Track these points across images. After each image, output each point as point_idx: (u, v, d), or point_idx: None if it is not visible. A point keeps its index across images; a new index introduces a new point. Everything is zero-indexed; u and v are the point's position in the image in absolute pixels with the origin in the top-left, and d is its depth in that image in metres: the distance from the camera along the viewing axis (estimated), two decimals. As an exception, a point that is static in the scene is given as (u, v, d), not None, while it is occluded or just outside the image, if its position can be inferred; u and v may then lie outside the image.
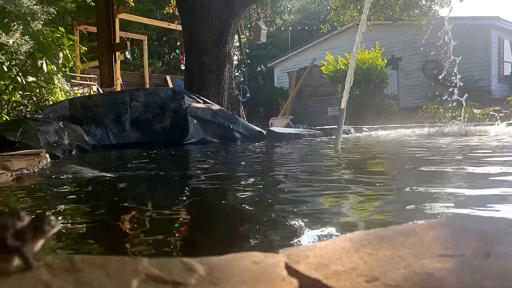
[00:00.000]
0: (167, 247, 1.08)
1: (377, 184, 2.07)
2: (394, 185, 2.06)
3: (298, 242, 1.07)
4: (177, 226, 1.37)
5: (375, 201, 1.64)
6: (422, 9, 10.32)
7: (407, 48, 16.25)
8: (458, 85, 6.33)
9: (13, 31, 7.57)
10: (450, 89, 6.32)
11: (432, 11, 10.37)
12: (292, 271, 0.69)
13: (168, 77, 16.40)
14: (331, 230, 1.20)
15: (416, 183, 1.92)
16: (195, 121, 6.15)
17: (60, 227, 0.67)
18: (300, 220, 1.28)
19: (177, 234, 1.26)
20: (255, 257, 0.73)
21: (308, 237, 1.12)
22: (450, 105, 7.82)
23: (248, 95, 17.82)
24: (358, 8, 10.90)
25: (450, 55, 6.13)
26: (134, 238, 1.19)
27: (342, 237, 0.86)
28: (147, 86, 14.59)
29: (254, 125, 6.83)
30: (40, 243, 0.65)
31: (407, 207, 1.42)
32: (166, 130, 6.11)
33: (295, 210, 1.45)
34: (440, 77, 6.58)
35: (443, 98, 7.13)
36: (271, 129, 6.72)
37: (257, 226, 1.28)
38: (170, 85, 15.38)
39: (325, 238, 1.10)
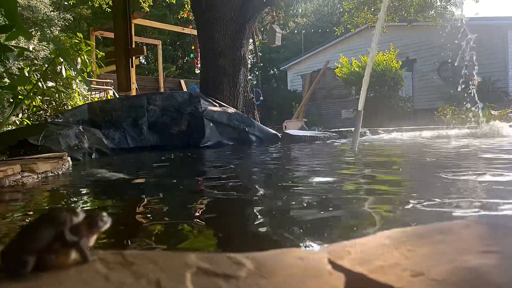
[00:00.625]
0: (203, 243, 1.10)
1: (402, 187, 2.07)
2: (419, 188, 2.06)
3: (337, 239, 1.08)
4: (211, 223, 1.39)
5: (403, 203, 1.65)
6: (437, 10, 10.23)
7: (422, 50, 16.11)
8: (474, 86, 6.26)
9: (33, 36, 7.74)
10: (467, 91, 6.25)
11: (447, 12, 10.28)
12: (336, 266, 0.70)
13: (182, 81, 16.53)
14: (366, 228, 1.20)
15: (440, 186, 1.92)
16: (211, 124, 6.20)
17: (111, 224, 0.69)
18: (334, 219, 1.29)
19: (214, 231, 1.29)
20: (298, 253, 0.75)
21: (345, 234, 1.13)
22: (466, 106, 7.72)
23: (261, 98, 17.86)
24: (372, 10, 10.85)
25: (466, 56, 6.07)
26: (167, 234, 1.22)
27: (380, 234, 0.87)
28: (162, 90, 14.73)
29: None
30: (93, 238, 0.67)
31: (437, 209, 1.42)
32: (183, 133, 6.17)
33: (328, 210, 1.46)
34: (455, 78, 6.52)
35: (459, 100, 7.05)
36: (286, 131, 6.73)
37: (292, 225, 1.29)
38: (184, 89, 15.49)
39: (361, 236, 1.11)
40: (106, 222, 0.68)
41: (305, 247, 0.83)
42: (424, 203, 1.55)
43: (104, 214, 0.68)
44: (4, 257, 0.61)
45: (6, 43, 3.54)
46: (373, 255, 0.75)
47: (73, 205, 0.61)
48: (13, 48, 3.33)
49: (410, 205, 1.54)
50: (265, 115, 16.07)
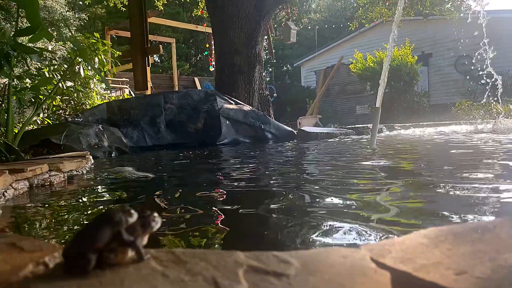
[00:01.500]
0: (239, 241, 1.13)
1: (430, 186, 2.07)
2: (447, 187, 2.05)
3: (375, 238, 1.10)
4: (243, 222, 1.42)
5: (431, 202, 1.65)
6: (454, 3, 10.08)
7: (438, 44, 15.90)
8: (492, 80, 6.17)
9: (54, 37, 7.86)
10: (484, 85, 6.16)
11: (465, 5, 10.13)
12: (380, 264, 0.72)
13: (196, 79, 16.61)
14: (398, 227, 1.22)
15: (466, 182, 1.91)
16: (227, 122, 6.24)
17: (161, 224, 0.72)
18: (368, 217, 1.30)
19: (251, 230, 1.31)
20: (341, 251, 0.76)
21: (381, 233, 1.15)
22: (484, 101, 7.62)
23: (275, 94, 17.84)
24: (387, 4, 10.75)
25: (484, 50, 5.98)
26: (200, 232, 1.24)
27: (417, 233, 0.88)
28: (176, 88, 14.83)
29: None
30: (146, 237, 0.70)
31: (465, 210, 1.42)
32: (199, 131, 6.22)
33: (363, 210, 1.47)
34: (473, 72, 6.43)
35: (477, 94, 6.95)
36: (302, 128, 6.73)
37: (327, 223, 1.31)
38: (198, 87, 15.57)
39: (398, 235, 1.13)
40: (158, 222, 0.71)
41: (345, 245, 0.84)
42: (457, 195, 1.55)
43: (156, 214, 0.71)
44: (67, 255, 0.64)
45: (29, 44, 3.62)
46: (414, 254, 0.76)
47: (125, 205, 0.63)
48: (36, 49, 3.40)
49: (435, 205, 1.55)
50: (278, 112, 16.04)
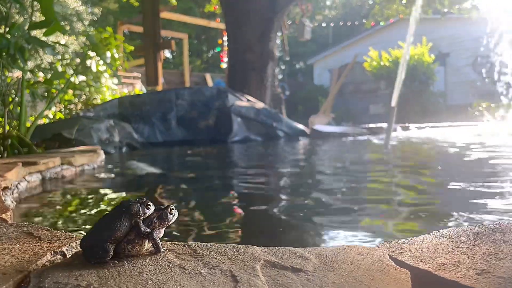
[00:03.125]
0: (254, 236, 1.12)
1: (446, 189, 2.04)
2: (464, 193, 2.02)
3: (394, 237, 1.08)
4: (259, 219, 1.41)
5: (446, 204, 1.63)
6: (474, 2, 9.84)
7: (456, 43, 15.62)
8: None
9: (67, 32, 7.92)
10: (503, 86, 6.07)
11: (484, 4, 9.89)
12: (399, 263, 0.71)
13: (207, 75, 16.60)
14: (416, 227, 1.20)
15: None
16: (239, 119, 6.23)
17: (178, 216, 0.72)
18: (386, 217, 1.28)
19: (264, 227, 1.30)
20: (359, 248, 0.75)
21: (400, 232, 1.13)
22: (503, 102, 7.48)
23: (287, 92, 17.75)
24: (404, 2, 10.60)
25: (503, 50, 5.88)
26: (217, 228, 1.24)
27: (437, 233, 0.86)
28: (187, 84, 14.84)
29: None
30: (163, 229, 0.70)
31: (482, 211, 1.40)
32: (210, 128, 6.22)
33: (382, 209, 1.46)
34: (491, 73, 6.33)
35: (495, 95, 6.83)
36: (315, 127, 6.69)
37: (344, 221, 1.30)
38: (210, 83, 15.57)
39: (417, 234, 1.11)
40: (175, 215, 0.70)
41: (364, 242, 0.83)
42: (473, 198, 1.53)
43: (173, 207, 0.70)
44: (85, 245, 0.64)
45: (44, 38, 3.64)
46: (434, 253, 0.75)
47: (143, 197, 0.63)
48: (50, 43, 3.42)
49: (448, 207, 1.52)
50: (290, 110, 15.98)
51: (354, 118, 14.50)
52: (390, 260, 0.72)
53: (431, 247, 0.79)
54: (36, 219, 1.44)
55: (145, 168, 3.13)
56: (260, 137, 6.20)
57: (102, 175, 2.76)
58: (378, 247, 0.78)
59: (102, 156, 3.57)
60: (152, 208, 0.68)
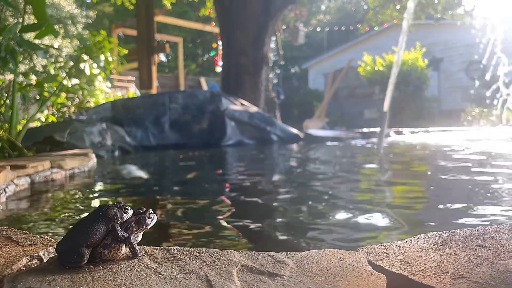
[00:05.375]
0: (237, 242, 1.12)
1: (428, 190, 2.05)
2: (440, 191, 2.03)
3: (374, 241, 1.08)
4: (242, 225, 1.41)
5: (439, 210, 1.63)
6: (466, 8, 9.91)
7: (449, 48, 15.74)
8: (504, 86, 6.10)
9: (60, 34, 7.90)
10: (496, 91, 6.11)
11: (477, 10, 9.97)
12: (376, 267, 0.71)
13: (202, 79, 16.61)
14: (399, 232, 1.20)
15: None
16: (232, 123, 6.22)
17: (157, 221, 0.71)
18: (367, 222, 1.28)
19: (246, 232, 1.30)
20: (337, 253, 0.75)
21: (381, 236, 1.13)
22: (496, 107, 7.52)
23: (282, 97, 17.80)
24: (398, 7, 10.66)
25: (495, 55, 5.92)
26: (199, 233, 1.23)
27: (417, 238, 0.87)
28: (182, 88, 14.82)
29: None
30: (141, 234, 0.69)
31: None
32: (203, 132, 6.21)
33: (364, 214, 1.46)
34: (484, 78, 6.36)
35: (488, 100, 6.87)
36: (308, 132, 6.70)
37: (325, 226, 1.30)
38: (204, 87, 15.57)
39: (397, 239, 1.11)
40: (153, 219, 0.70)
41: (342, 248, 0.83)
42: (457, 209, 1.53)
43: (151, 211, 0.70)
44: (61, 249, 0.64)
45: (35, 41, 3.63)
46: (412, 258, 0.75)
47: (121, 201, 0.62)
48: (42, 46, 3.41)
49: (440, 210, 1.53)
50: (285, 114, 15.98)
51: (349, 123, 14.55)
52: (368, 265, 0.72)
53: (410, 251, 0.80)
54: (20, 222, 1.43)
55: (136, 172, 3.12)
56: (253, 141, 6.20)
57: (92, 179, 2.75)
58: (357, 251, 0.78)
59: (94, 159, 3.56)
60: (130, 212, 0.68)
